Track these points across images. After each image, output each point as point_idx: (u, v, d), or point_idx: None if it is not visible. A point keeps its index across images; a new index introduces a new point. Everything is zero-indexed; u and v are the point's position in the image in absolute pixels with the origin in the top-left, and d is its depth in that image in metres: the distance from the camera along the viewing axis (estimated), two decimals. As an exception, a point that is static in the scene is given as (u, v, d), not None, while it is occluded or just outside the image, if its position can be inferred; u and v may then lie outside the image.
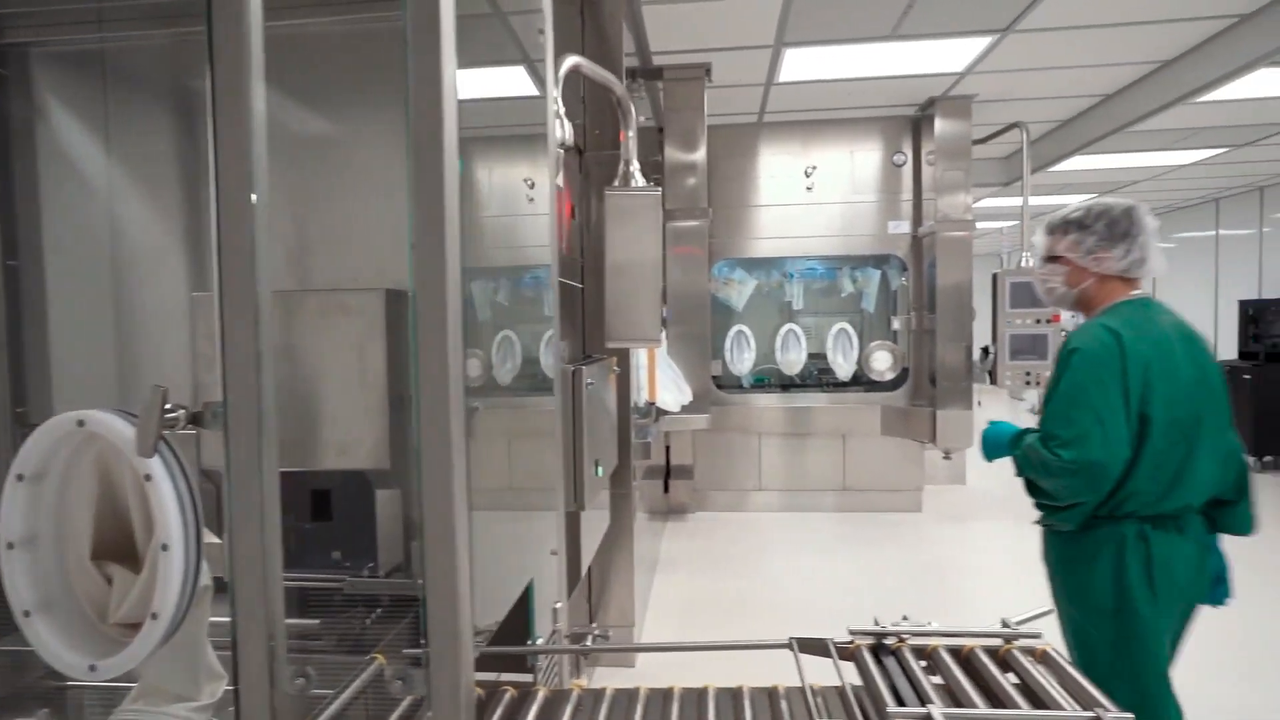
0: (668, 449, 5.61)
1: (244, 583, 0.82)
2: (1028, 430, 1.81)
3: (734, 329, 5.92)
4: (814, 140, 5.72)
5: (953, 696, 0.96)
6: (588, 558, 2.22)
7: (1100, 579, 1.70)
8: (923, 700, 0.93)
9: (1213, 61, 4.11)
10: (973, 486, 6.62)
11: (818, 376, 6.11)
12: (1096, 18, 3.83)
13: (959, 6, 3.69)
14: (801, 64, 4.44)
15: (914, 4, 3.64)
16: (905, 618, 1.18)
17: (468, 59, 1.38)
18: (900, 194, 5.69)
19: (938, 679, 1.01)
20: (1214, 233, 8.56)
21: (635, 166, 2.39)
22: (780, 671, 1.11)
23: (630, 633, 3.28)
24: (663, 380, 3.84)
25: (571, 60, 2.03)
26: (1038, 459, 1.70)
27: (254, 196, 0.77)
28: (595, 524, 2.37)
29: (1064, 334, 2.35)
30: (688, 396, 4.21)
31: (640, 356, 3.64)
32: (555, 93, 1.95)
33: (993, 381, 5.16)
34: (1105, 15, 3.81)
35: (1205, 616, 1.87)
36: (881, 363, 5.79)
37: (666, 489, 5.62)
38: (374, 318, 1.35)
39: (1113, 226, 1.77)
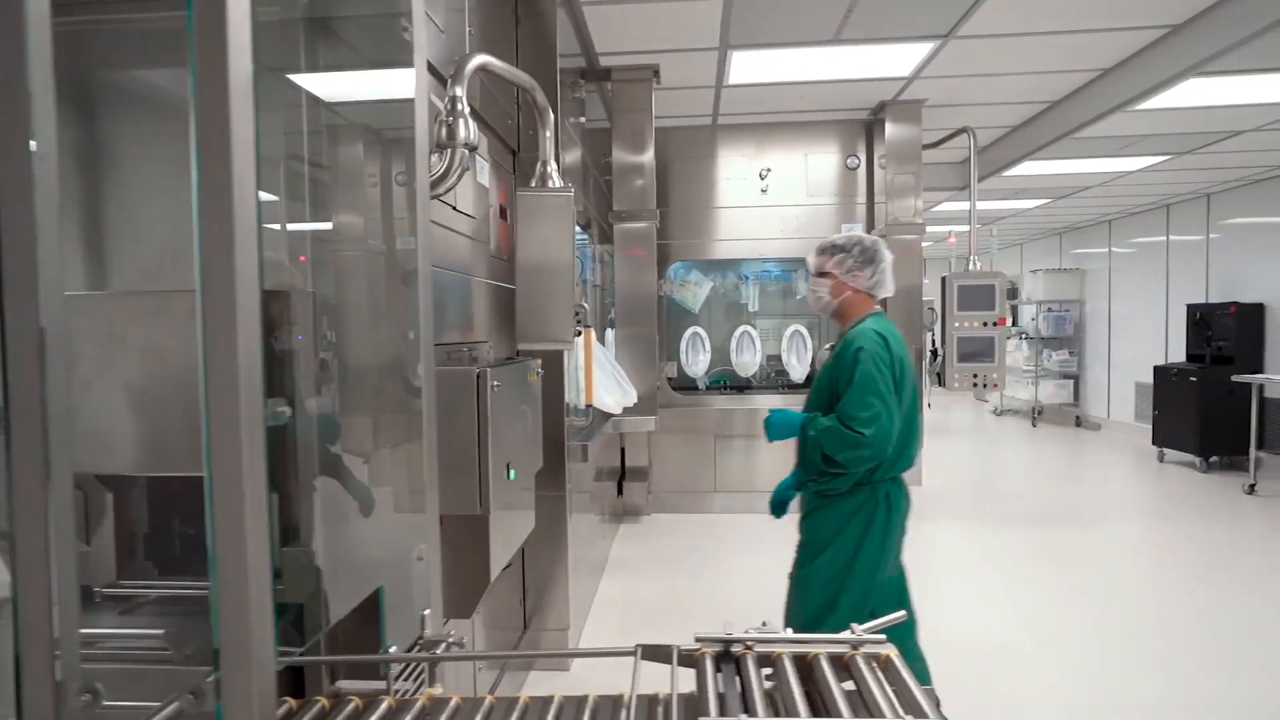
0: (623, 451, 5.59)
1: (27, 593, 0.78)
2: (813, 416, 2.26)
3: (689, 330, 5.92)
4: (768, 143, 5.75)
5: (782, 704, 0.96)
6: (500, 562, 2.19)
7: (867, 530, 2.24)
8: (747, 708, 0.92)
9: (1146, 71, 4.19)
10: (928, 487, 6.70)
11: (774, 378, 6.14)
12: (1034, 25, 3.89)
13: (899, 12, 3.72)
14: (749, 66, 4.45)
15: (854, 9, 3.67)
16: (764, 623, 1.17)
17: (333, 59, 1.36)
18: (855, 197, 5.74)
19: (773, 686, 1.00)
20: (1164, 238, 8.74)
21: (553, 167, 2.37)
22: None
23: (565, 636, 3.25)
24: (603, 381, 3.82)
25: (478, 60, 2.00)
26: (840, 436, 2.14)
27: (39, 197, 0.74)
28: (512, 528, 2.34)
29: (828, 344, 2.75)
30: (631, 398, 4.19)
31: (578, 358, 3.62)
32: (459, 92, 1.93)
33: (941, 384, 5.22)
34: (1042, 24, 3.87)
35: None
36: (835, 365, 5.83)
37: (620, 491, 5.61)
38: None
39: (864, 253, 2.30)
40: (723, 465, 5.84)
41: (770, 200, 5.76)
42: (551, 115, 2.33)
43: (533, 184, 2.31)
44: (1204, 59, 3.80)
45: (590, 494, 4.53)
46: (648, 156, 4.51)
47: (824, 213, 5.73)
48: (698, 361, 5.90)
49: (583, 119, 3.77)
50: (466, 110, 1.94)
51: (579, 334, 3.29)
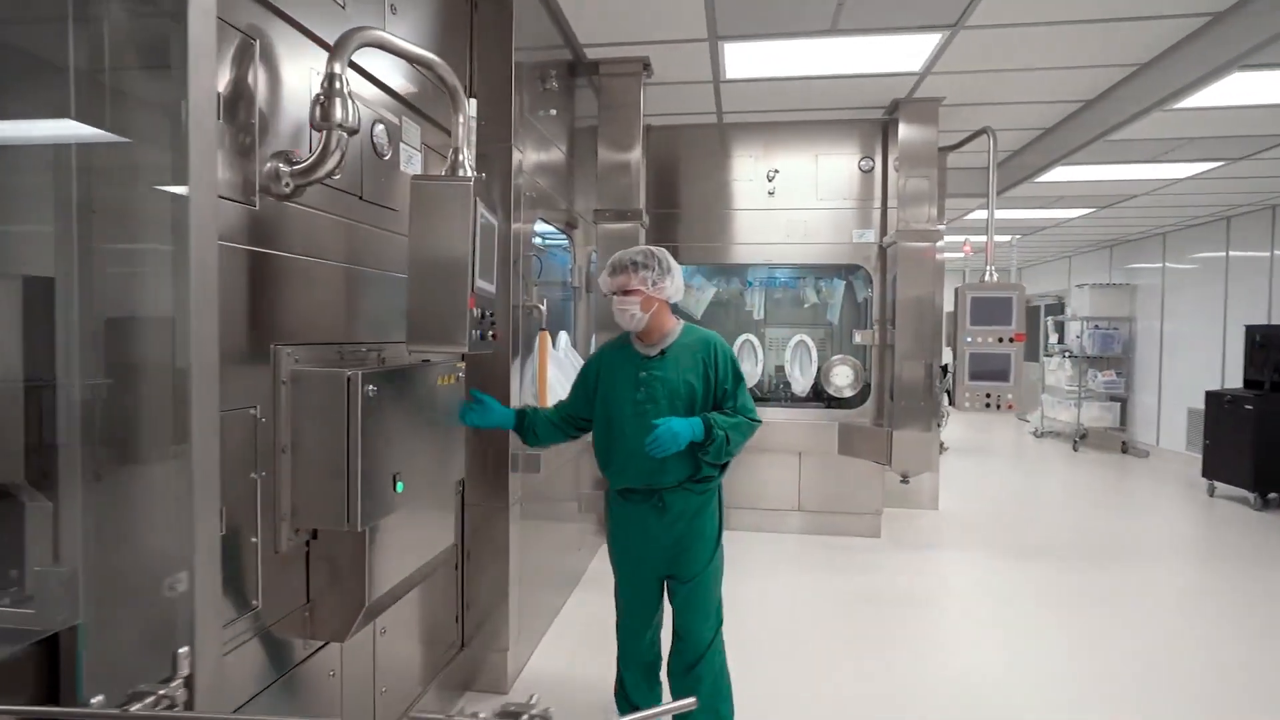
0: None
1: None
2: (705, 416, 2.39)
3: (689, 337, 5.67)
4: (777, 143, 5.47)
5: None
6: (384, 581, 2.01)
7: (720, 509, 2.60)
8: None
9: (1183, 65, 3.79)
10: (945, 511, 6.29)
11: (778, 390, 5.85)
12: (1049, 15, 3.55)
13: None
14: (744, 59, 4.21)
15: (846, -4, 3.40)
16: (532, 696, 0.95)
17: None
18: (871, 201, 5.41)
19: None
20: (1224, 253, 8.08)
21: (465, 156, 2.19)
22: None
23: (505, 657, 3.06)
24: (561, 387, 3.62)
25: (363, 35, 1.83)
26: (748, 428, 2.46)
27: None
28: (408, 543, 2.16)
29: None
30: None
31: (534, 361, 3.43)
32: (336, 68, 1.76)
33: (951, 402, 4.85)
34: (1058, 12, 3.52)
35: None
36: (841, 378, 5.50)
37: (609, 502, 5.38)
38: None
39: (661, 263, 2.43)
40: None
41: (778, 203, 5.48)
42: (463, 98, 2.15)
43: (443, 172, 2.13)
44: (1248, 50, 3.40)
45: (581, 503, 4.35)
46: (634, 154, 4.29)
47: (835, 217, 5.41)
48: (696, 370, 5.65)
49: (553, 113, 3.58)
50: (347, 89, 1.77)
51: (518, 338, 3.11)
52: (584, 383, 2.60)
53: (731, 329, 5.84)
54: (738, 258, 5.56)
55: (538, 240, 3.99)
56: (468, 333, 1.98)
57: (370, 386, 1.85)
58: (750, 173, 5.51)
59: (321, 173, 1.80)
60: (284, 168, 1.78)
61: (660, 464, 2.39)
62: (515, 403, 3.08)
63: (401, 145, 2.42)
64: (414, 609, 2.63)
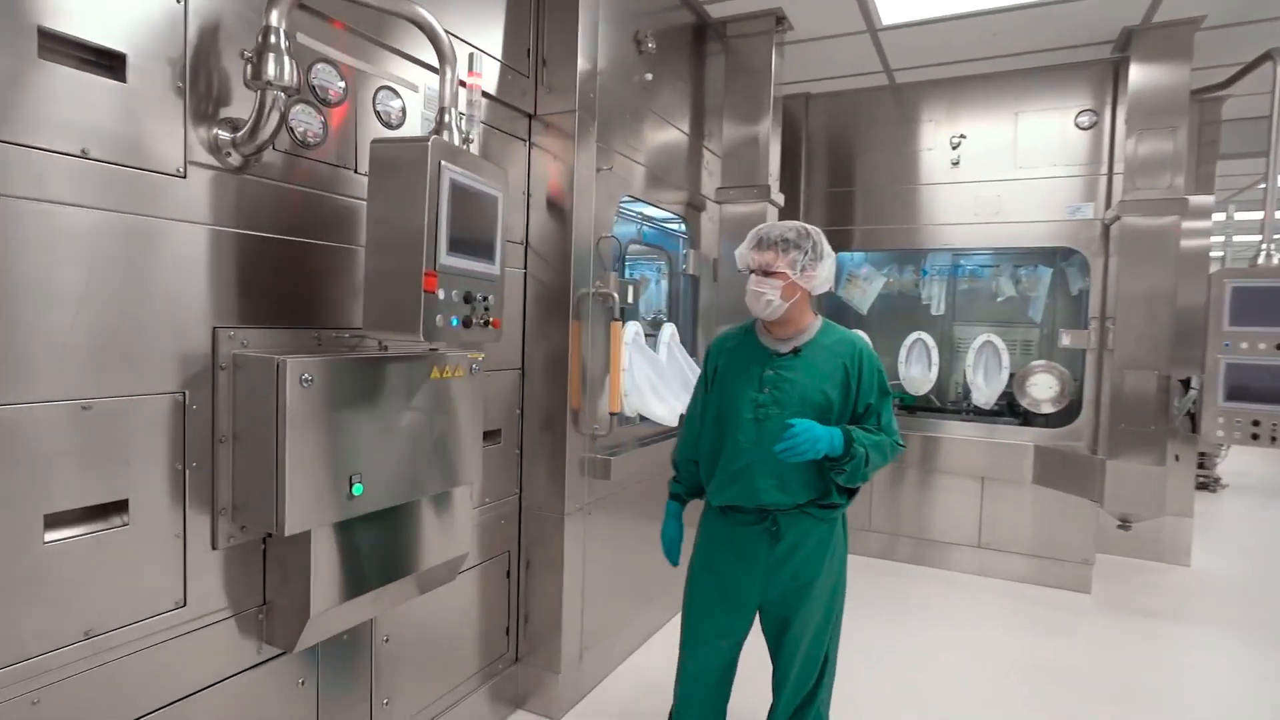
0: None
1: None
2: (845, 428, 2.01)
3: (848, 335, 4.93)
4: (963, 101, 4.53)
5: None
6: (344, 592, 1.81)
7: (844, 541, 2.21)
8: None
9: None
10: (1200, 570, 4.82)
11: (959, 399, 4.88)
12: None
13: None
14: (899, -2, 3.46)
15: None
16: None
17: None
18: (1095, 167, 4.26)
19: None
20: None
21: (454, 116, 1.91)
22: None
23: (556, 680, 2.78)
24: (655, 386, 3.22)
25: (307, -21, 1.63)
26: (891, 449, 2.08)
27: None
28: (386, 551, 1.95)
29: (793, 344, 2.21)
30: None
31: (620, 356, 3.09)
32: (273, 20, 1.58)
33: (1194, 429, 3.61)
34: None
35: None
36: (1042, 389, 4.42)
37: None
38: None
39: (816, 247, 2.06)
40: (880, 499, 4.78)
41: (964, 175, 4.53)
42: (449, 50, 1.87)
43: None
44: None
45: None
46: (762, 125, 3.74)
47: (1042, 190, 4.33)
48: (855, 373, 4.89)
49: (648, 77, 3.18)
50: (283, 44, 1.58)
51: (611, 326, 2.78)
52: (703, 384, 2.27)
53: (904, 326, 4.98)
54: (914, 242, 4.71)
55: (632, 226, 3.69)
56: (422, 318, 1.70)
57: (305, 375, 1.65)
58: (930, 140, 4.63)
59: (260, 139, 1.63)
60: (224, 135, 1.64)
61: (780, 480, 2.03)
62: (577, 403, 2.78)
63: (424, 116, 2.22)
64: (445, 616, 2.44)
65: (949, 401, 4.96)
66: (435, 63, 1.91)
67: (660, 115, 3.37)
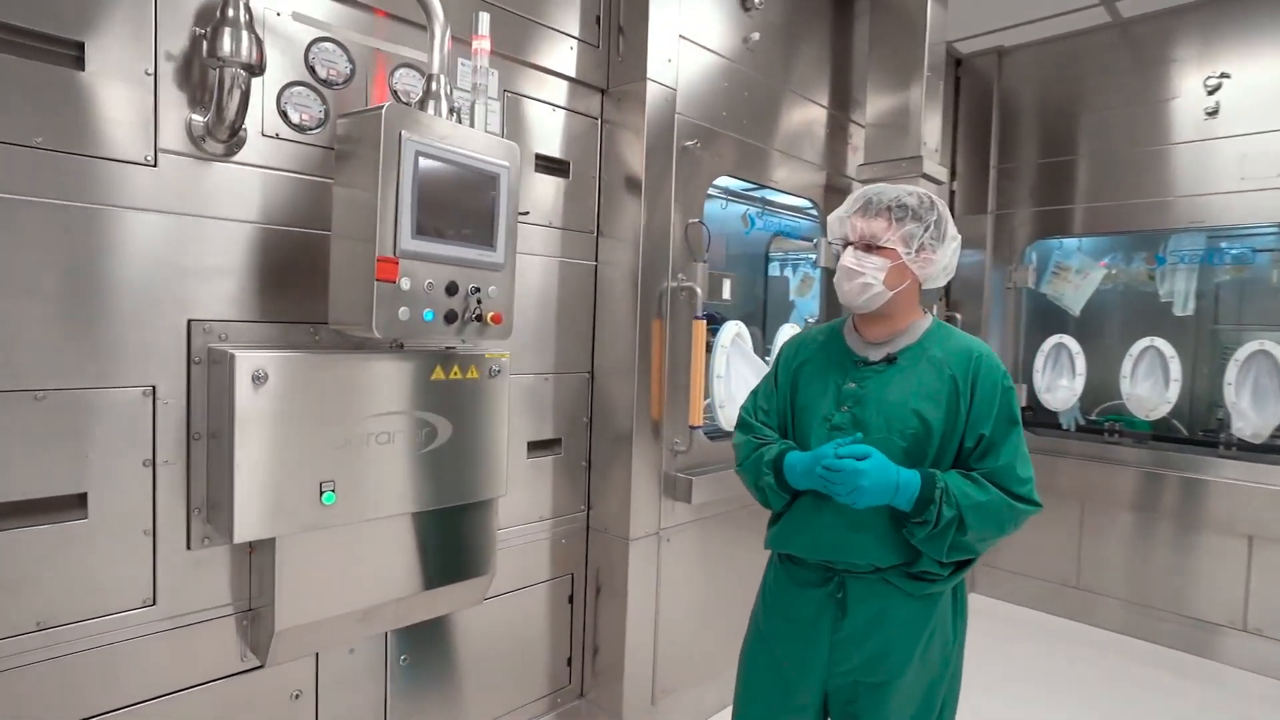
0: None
1: None
2: (929, 473, 1.45)
3: (1052, 341, 3.96)
4: (1223, 29, 3.40)
5: None
6: (320, 608, 1.65)
7: (955, 625, 1.60)
8: None
9: None
10: None
11: (1216, 430, 3.68)
12: None
13: None
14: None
15: None
16: None
17: None
18: None
19: None
20: None
21: (443, 84, 1.69)
22: None
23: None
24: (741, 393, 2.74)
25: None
26: (1009, 513, 1.46)
27: None
28: (377, 567, 1.77)
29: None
30: None
31: (713, 359, 2.69)
32: (231, -9, 1.48)
33: None
34: None
35: None
36: (1348, 420, 3.14)
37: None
38: None
39: (940, 221, 1.55)
40: (1097, 556, 3.76)
41: (1224, 128, 3.40)
42: (439, 11, 1.65)
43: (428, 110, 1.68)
44: None
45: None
46: (916, 88, 3.06)
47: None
48: (1059, 387, 3.91)
49: (755, 38, 2.71)
50: (242, 17, 1.48)
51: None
52: (772, 387, 1.72)
53: (1131, 330, 3.89)
54: (1159, 221, 3.64)
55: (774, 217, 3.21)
56: (374, 311, 1.50)
57: (258, 370, 1.53)
58: (1174, 85, 3.55)
59: (227, 121, 1.55)
60: (196, 119, 1.58)
61: (854, 529, 1.50)
62: (656, 413, 2.44)
63: (456, 93, 2.04)
64: (483, 640, 2.24)
65: (1201, 430, 3.76)
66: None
67: (779, 83, 2.90)
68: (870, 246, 1.52)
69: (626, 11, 2.40)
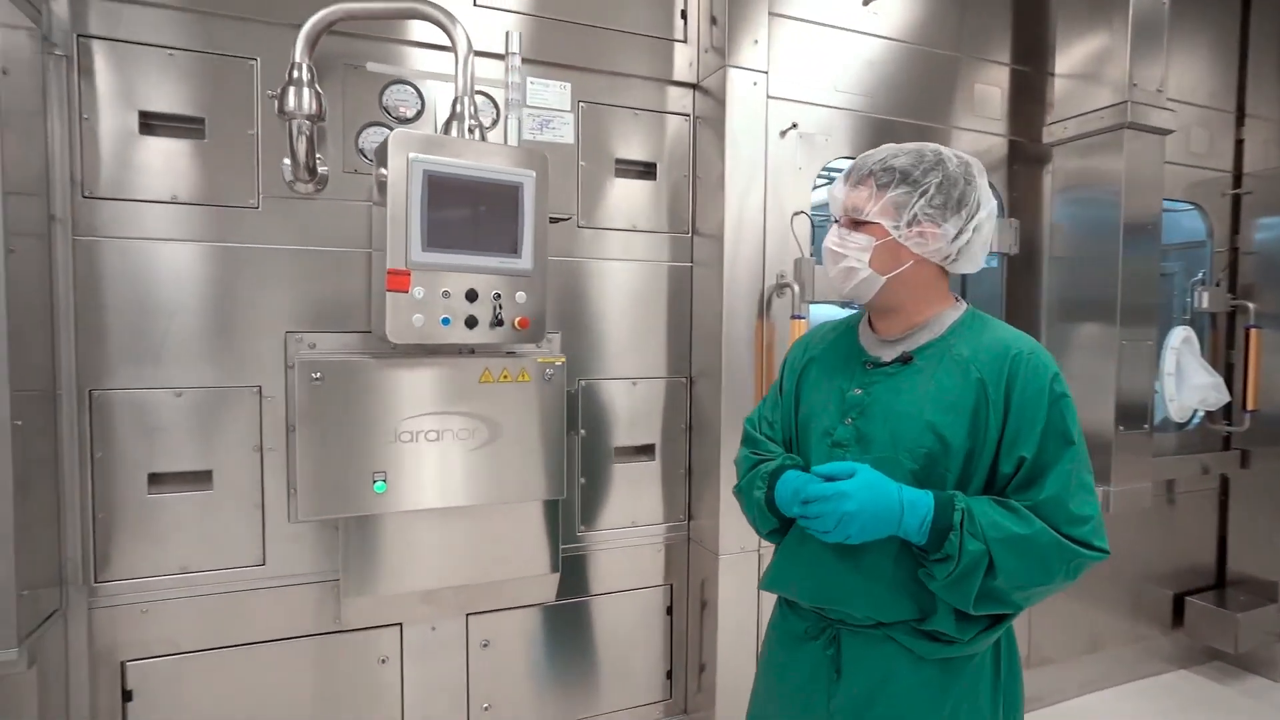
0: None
1: None
2: (947, 496, 1.15)
3: None
4: None
5: None
6: (355, 585, 1.84)
7: (994, 704, 1.25)
8: None
9: None
10: None
11: None
12: None
13: None
14: None
15: None
16: None
17: None
18: None
19: None
20: None
21: (466, 106, 1.80)
22: None
23: (718, 753, 2.31)
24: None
25: (322, 14, 1.77)
26: (1058, 555, 1.13)
27: None
28: (433, 552, 1.91)
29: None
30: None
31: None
32: (296, 55, 1.78)
33: None
34: None
35: None
36: None
37: (1180, 615, 3.15)
38: None
39: (945, 182, 1.21)
40: None
41: None
42: (459, 32, 1.77)
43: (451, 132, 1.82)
44: None
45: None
46: (1117, 23, 2.39)
47: None
48: None
49: None
50: (306, 77, 1.78)
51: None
52: (778, 394, 1.47)
53: None
54: None
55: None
56: (388, 318, 1.66)
57: (315, 373, 1.79)
58: None
59: (300, 163, 1.84)
60: (286, 165, 1.91)
61: (855, 572, 1.22)
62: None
63: (528, 111, 2.15)
64: (566, 638, 2.30)
65: None
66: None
67: (925, 43, 2.52)
68: (855, 222, 1.25)
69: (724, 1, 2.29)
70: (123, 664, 1.85)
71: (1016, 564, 1.11)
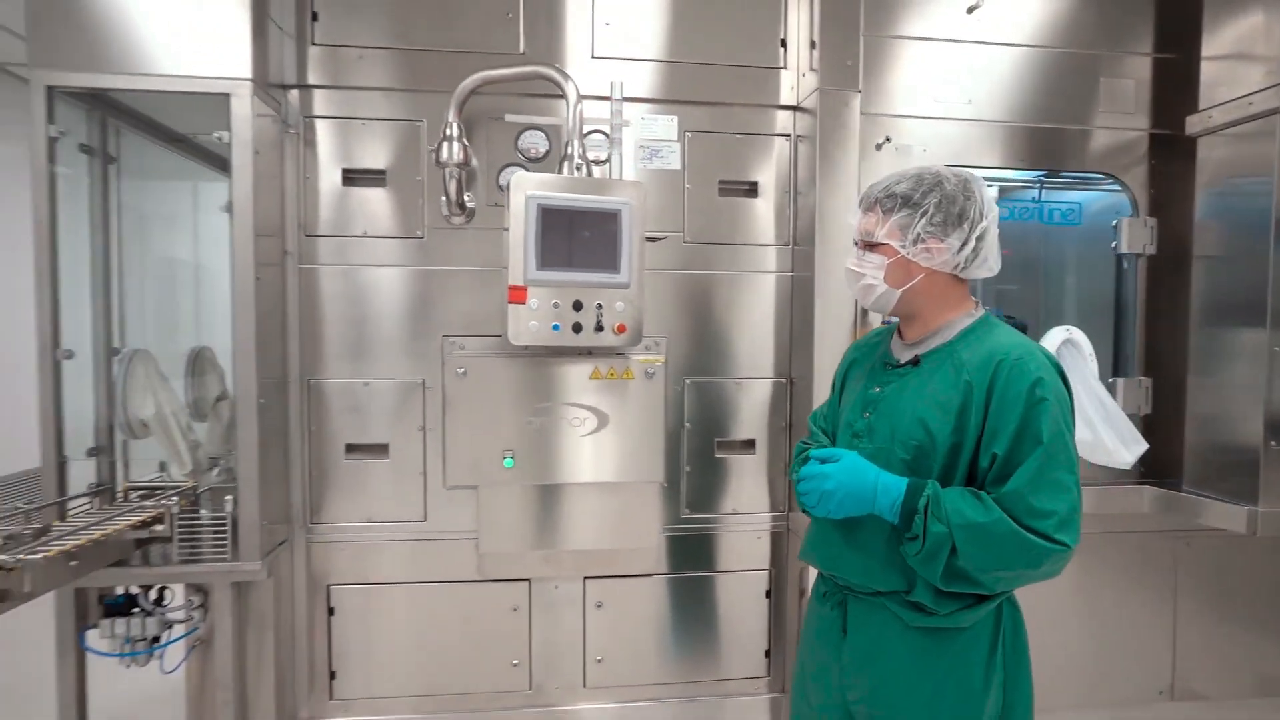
0: None
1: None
2: (925, 485, 1.31)
3: None
4: None
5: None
6: (487, 542, 2.23)
7: (988, 681, 1.36)
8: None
9: None
10: None
11: None
12: None
13: None
14: None
15: None
16: None
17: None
18: None
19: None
20: None
21: (575, 147, 2.15)
22: None
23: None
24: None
25: (467, 82, 2.23)
26: (1016, 544, 1.24)
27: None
28: (546, 518, 2.27)
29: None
30: (1126, 456, 2.26)
31: None
32: (449, 115, 2.25)
33: None
34: None
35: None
36: None
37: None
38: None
39: (944, 203, 1.37)
40: None
41: None
42: (569, 87, 2.13)
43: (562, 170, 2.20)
44: None
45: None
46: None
47: None
48: None
49: (978, 5, 2.33)
50: (455, 134, 2.26)
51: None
52: (833, 397, 1.70)
53: None
54: None
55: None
56: (508, 325, 2.06)
57: (460, 368, 2.25)
58: None
59: (453, 201, 2.31)
60: (442, 200, 2.39)
61: (854, 545, 1.42)
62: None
63: (639, 143, 2.47)
64: (670, 609, 2.59)
65: None
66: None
67: (1039, 41, 2.48)
68: (869, 245, 1.44)
69: (820, 26, 2.46)
70: (328, 586, 2.45)
71: (975, 549, 1.25)
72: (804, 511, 1.45)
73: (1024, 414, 1.27)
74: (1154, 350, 2.60)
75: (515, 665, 2.51)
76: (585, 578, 2.53)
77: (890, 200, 1.39)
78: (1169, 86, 2.55)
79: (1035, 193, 2.72)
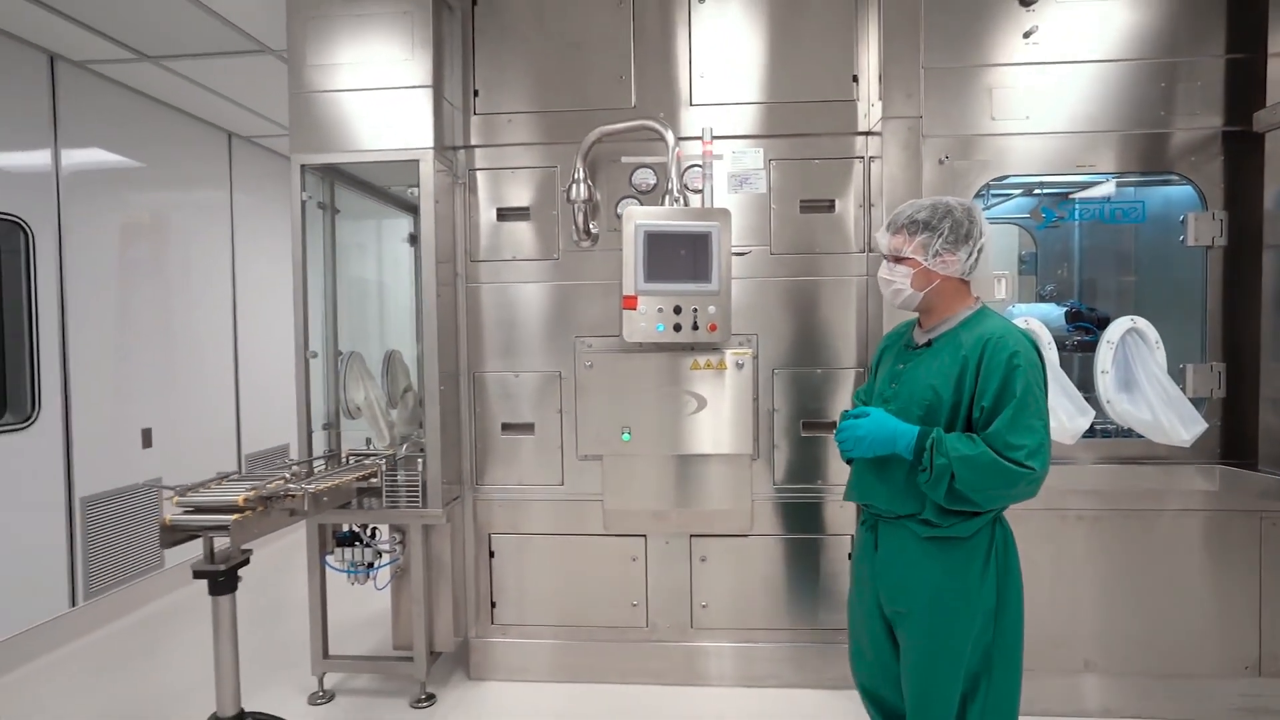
0: None
1: (316, 397, 3.10)
2: (932, 431, 1.74)
3: None
4: None
5: None
6: (630, 500, 2.77)
7: (1005, 574, 1.80)
8: None
9: None
10: None
11: None
12: None
13: None
14: None
15: None
16: None
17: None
18: None
19: None
20: None
21: (674, 181, 2.67)
22: None
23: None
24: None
25: (593, 135, 2.82)
26: (995, 471, 1.66)
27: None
28: (662, 485, 2.78)
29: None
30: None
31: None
32: (577, 160, 2.86)
33: None
34: None
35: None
36: None
37: None
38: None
39: (957, 227, 1.80)
40: None
41: None
42: (667, 133, 2.66)
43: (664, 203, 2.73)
44: None
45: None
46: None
47: None
48: None
49: (1036, 28, 2.56)
50: (582, 178, 2.88)
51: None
52: (871, 376, 2.16)
53: None
54: None
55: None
56: (622, 327, 2.63)
57: (587, 361, 2.84)
58: None
59: (580, 229, 2.92)
60: (573, 228, 3.00)
61: (881, 480, 1.88)
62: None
63: (730, 173, 2.97)
64: (756, 564, 3.04)
65: None
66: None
67: (1095, 54, 2.72)
68: (898, 258, 1.87)
69: (885, 63, 2.84)
70: (489, 535, 3.12)
71: (968, 474, 1.67)
72: (844, 459, 1.90)
73: (1004, 377, 1.69)
74: (1229, 337, 2.72)
75: (634, 605, 3.06)
76: (691, 535, 3.04)
77: (914, 226, 1.83)
78: (1241, 84, 2.68)
79: (1106, 191, 2.93)
